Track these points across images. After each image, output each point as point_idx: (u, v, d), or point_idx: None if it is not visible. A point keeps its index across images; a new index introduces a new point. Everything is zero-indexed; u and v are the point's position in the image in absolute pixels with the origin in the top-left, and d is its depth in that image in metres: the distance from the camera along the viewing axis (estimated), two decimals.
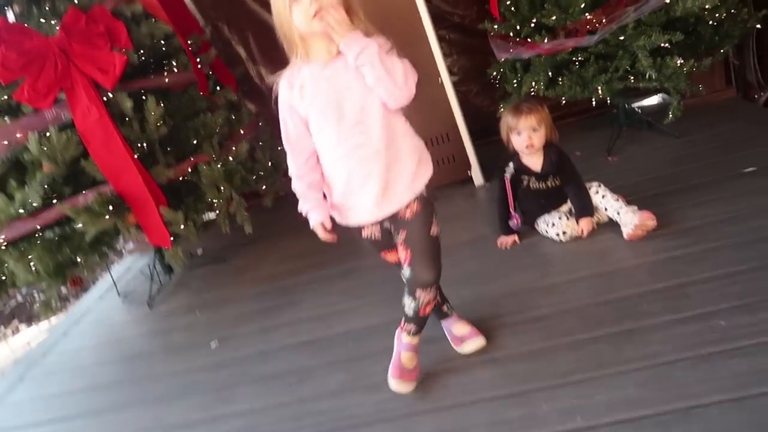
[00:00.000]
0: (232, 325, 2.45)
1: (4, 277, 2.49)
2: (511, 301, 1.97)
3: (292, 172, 1.57)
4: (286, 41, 1.49)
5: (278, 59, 3.76)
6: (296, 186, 1.57)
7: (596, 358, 1.58)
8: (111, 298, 3.18)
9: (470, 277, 2.20)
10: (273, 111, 3.84)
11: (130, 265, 3.54)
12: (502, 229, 2.36)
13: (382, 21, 2.74)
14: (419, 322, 1.65)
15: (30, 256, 2.37)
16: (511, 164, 2.27)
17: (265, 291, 2.67)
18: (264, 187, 2.87)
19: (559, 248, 2.21)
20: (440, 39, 2.89)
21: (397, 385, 1.65)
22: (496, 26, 2.83)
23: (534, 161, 2.24)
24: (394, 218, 1.56)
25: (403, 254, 1.56)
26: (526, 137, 2.19)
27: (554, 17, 2.55)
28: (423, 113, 2.88)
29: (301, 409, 1.79)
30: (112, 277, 3.27)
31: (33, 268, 2.36)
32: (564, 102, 2.72)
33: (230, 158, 2.63)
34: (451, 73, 2.95)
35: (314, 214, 1.55)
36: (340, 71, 1.44)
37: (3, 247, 2.38)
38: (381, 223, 1.59)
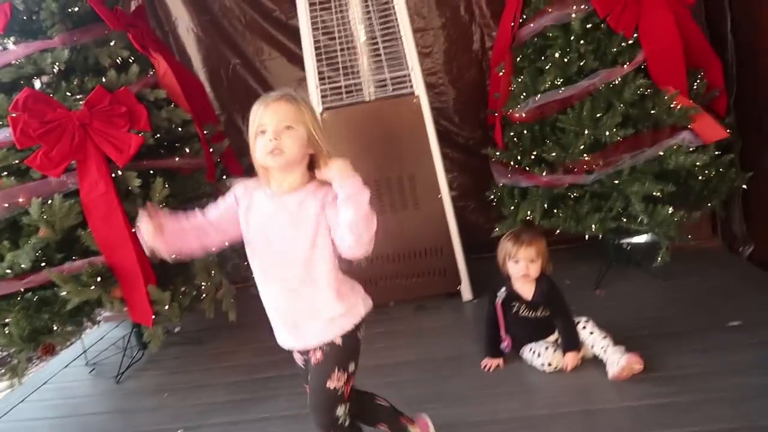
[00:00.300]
0: (200, 414, 2.36)
1: None
2: (491, 429, 1.94)
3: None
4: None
5: None
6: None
7: None
8: (78, 366, 3.07)
9: (451, 396, 2.17)
10: None
11: (103, 333, 3.44)
12: (488, 350, 2.35)
13: (390, 133, 2.93)
14: None
15: (7, 319, 2.32)
16: (503, 288, 2.31)
17: (239, 381, 2.60)
18: None
19: (543, 379, 2.19)
20: (443, 156, 3.03)
21: None
22: (498, 153, 2.98)
23: (526, 289, 2.28)
24: (306, 355, 1.59)
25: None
26: (524, 267, 2.24)
27: (554, 154, 2.69)
28: (420, 224, 2.98)
29: None
30: (83, 344, 3.17)
31: (6, 331, 2.31)
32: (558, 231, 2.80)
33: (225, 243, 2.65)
34: (450, 188, 3.06)
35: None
36: (288, 206, 1.50)
37: None
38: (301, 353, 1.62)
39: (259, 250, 1.55)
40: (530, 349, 2.28)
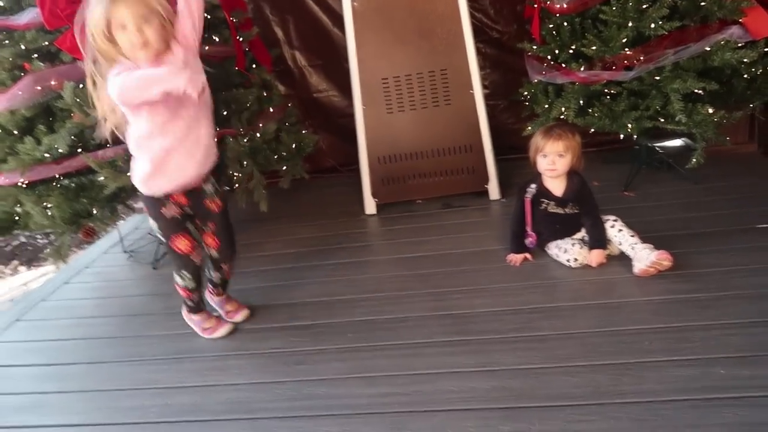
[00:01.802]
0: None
1: (17, 217, 2.52)
2: (513, 318, 2.01)
3: None
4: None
5: (315, 47, 3.82)
6: None
7: (592, 386, 1.62)
8: (115, 253, 3.21)
9: (473, 288, 2.24)
10: (302, 95, 3.90)
11: (137, 224, 3.56)
12: (513, 246, 2.39)
13: (423, 24, 2.83)
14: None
15: (47, 202, 2.40)
16: (533, 185, 2.31)
17: (269, 270, 2.69)
18: (284, 168, 2.90)
19: (567, 273, 2.24)
20: (476, 52, 2.93)
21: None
22: (534, 47, 2.87)
23: (556, 186, 2.28)
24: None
25: None
26: (551, 161, 2.23)
27: (594, 48, 2.58)
28: (450, 121, 2.94)
29: (295, 390, 1.82)
30: (119, 233, 3.30)
31: (49, 213, 2.39)
32: (591, 131, 2.75)
33: (257, 135, 2.66)
34: (482, 85, 2.98)
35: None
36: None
37: (23, 188, 2.41)
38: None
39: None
40: (556, 245, 2.31)
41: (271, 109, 2.84)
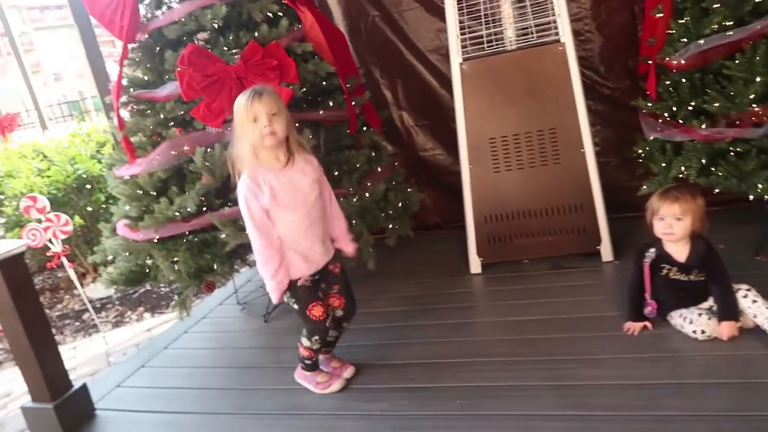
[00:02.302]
0: (341, 356, 2.50)
1: (149, 270, 2.74)
2: (634, 394, 1.87)
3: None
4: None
5: (421, 107, 3.91)
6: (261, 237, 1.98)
7: None
8: (230, 305, 3.38)
9: (589, 357, 2.12)
10: (408, 154, 3.98)
11: (251, 276, 3.74)
12: (631, 312, 2.25)
13: (532, 85, 2.83)
14: None
15: (175, 257, 2.59)
16: (652, 249, 2.18)
17: (374, 328, 2.71)
18: (390, 226, 2.95)
19: (693, 346, 2.07)
20: (587, 109, 2.87)
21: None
22: (649, 104, 2.77)
23: (679, 251, 2.14)
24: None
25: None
26: (667, 224, 2.10)
27: (717, 104, 2.45)
28: (560, 180, 2.88)
29: None
30: (234, 285, 3.48)
31: (176, 268, 2.58)
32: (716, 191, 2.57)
33: (366, 195, 2.75)
34: (593, 143, 2.90)
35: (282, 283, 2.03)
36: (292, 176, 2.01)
37: (155, 243, 2.63)
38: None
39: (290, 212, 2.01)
40: (680, 315, 2.15)
41: (380, 169, 2.93)
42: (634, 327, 2.22)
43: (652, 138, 2.80)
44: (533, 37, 2.85)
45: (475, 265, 3.06)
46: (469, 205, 3.02)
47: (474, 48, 2.93)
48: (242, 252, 2.77)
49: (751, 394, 1.78)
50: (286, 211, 1.98)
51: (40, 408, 2.29)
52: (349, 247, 2.25)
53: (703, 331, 2.07)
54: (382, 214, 2.85)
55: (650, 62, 2.78)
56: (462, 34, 2.93)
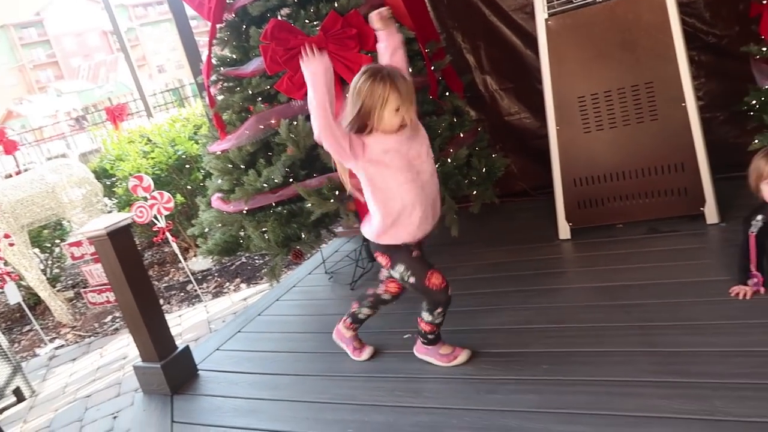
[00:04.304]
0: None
1: (242, 240, 2.87)
2: (742, 361, 1.73)
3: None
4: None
5: (505, 70, 3.78)
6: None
7: None
8: (318, 274, 3.48)
9: (691, 323, 1.98)
10: (493, 119, 3.87)
11: (337, 247, 3.83)
12: (741, 276, 2.07)
13: (625, 36, 2.64)
14: None
15: (264, 227, 2.69)
16: (760, 217, 1.98)
17: (460, 295, 2.65)
18: (474, 192, 2.89)
19: None
20: (689, 60, 2.64)
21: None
22: (764, 49, 2.50)
23: None
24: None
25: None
26: None
27: None
28: (658, 138, 2.68)
29: (487, 419, 1.77)
30: (322, 255, 3.58)
31: (266, 237, 2.68)
32: None
33: (448, 161, 2.70)
34: (696, 97, 2.67)
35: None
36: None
37: (245, 215, 2.74)
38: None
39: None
40: None
41: (462, 135, 2.86)
42: (743, 291, 2.04)
43: (766, 87, 2.53)
44: None
45: (564, 230, 2.94)
46: (557, 168, 2.89)
47: (561, 2, 2.77)
48: (327, 221, 2.83)
49: None
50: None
51: (149, 367, 2.48)
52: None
53: None
54: (465, 181, 2.80)
55: (765, 1, 2.51)
56: None
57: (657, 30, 2.58)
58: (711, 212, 2.68)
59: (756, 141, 2.52)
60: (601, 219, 2.90)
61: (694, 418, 1.55)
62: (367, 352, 2.33)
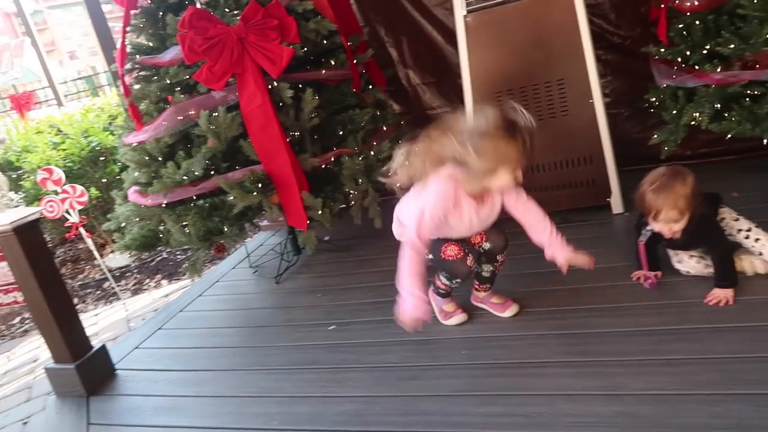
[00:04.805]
0: (349, 312, 2.55)
1: (161, 235, 2.78)
2: (642, 340, 1.87)
3: (413, 236, 1.84)
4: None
5: (427, 65, 3.84)
6: (412, 254, 1.84)
7: (736, 418, 1.46)
8: (242, 268, 3.43)
9: (599, 308, 2.12)
10: (416, 113, 3.94)
11: (262, 241, 3.79)
12: (639, 265, 2.23)
13: (538, 35, 2.76)
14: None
15: (185, 221, 2.63)
16: (649, 228, 2.10)
17: (383, 285, 2.72)
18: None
19: (703, 292, 2.04)
20: (596, 59, 2.80)
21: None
22: (662, 50, 2.69)
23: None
24: None
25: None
26: (665, 229, 2.01)
27: (732, 46, 2.37)
28: (569, 132, 2.83)
29: (408, 405, 1.82)
30: (246, 249, 3.53)
31: (186, 231, 2.62)
32: (728, 137, 2.51)
33: (371, 153, 2.74)
34: (603, 94, 2.84)
35: (419, 304, 1.81)
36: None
37: (164, 208, 2.66)
38: None
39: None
40: (675, 254, 2.17)
41: (385, 128, 2.91)
42: (642, 275, 2.20)
43: (664, 85, 2.73)
44: None
45: None
46: None
47: None
48: (251, 214, 2.80)
49: (757, 338, 1.76)
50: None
51: (62, 368, 2.37)
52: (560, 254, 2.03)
53: (688, 272, 2.09)
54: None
55: (662, 6, 2.70)
56: None
57: (567, 29, 2.72)
58: (616, 203, 2.87)
59: (655, 136, 2.72)
60: None
61: (598, 394, 1.67)
62: (458, 317, 2.24)
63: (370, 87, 2.96)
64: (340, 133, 2.74)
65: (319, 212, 2.55)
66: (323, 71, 2.72)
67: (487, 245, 2.13)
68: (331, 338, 2.35)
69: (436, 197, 1.88)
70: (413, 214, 1.88)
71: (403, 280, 1.84)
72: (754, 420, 1.44)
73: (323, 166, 2.68)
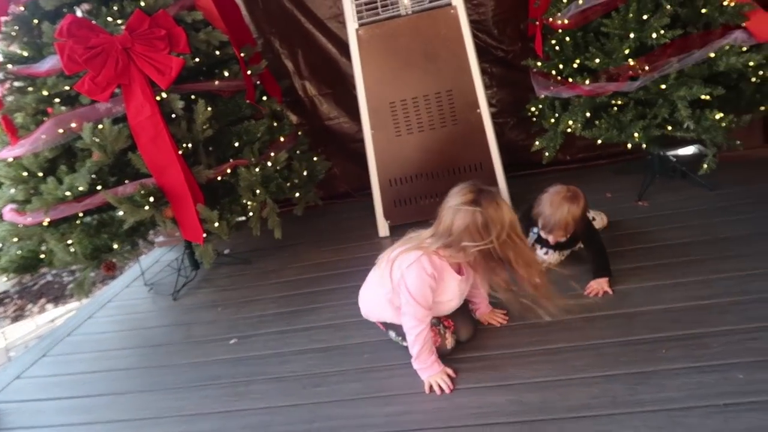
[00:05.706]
0: (251, 325, 2.51)
1: (42, 256, 2.60)
2: (525, 333, 2.01)
3: (420, 318, 1.81)
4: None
5: (323, 76, 3.88)
6: (421, 333, 1.82)
7: (610, 397, 1.61)
8: (137, 287, 3.27)
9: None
10: (314, 124, 3.94)
11: (158, 257, 3.63)
12: None
13: (428, 48, 2.89)
14: None
15: (70, 239, 2.47)
16: (535, 230, 2.32)
17: (286, 296, 2.73)
18: (297, 195, 2.95)
19: (581, 286, 2.22)
20: (482, 71, 2.97)
21: None
22: (539, 63, 2.90)
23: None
24: None
25: None
26: (551, 239, 2.27)
27: (597, 60, 2.61)
28: (459, 140, 2.97)
29: (313, 412, 1.83)
30: (140, 267, 3.37)
31: (71, 250, 2.47)
32: (599, 143, 2.75)
33: (268, 164, 2.72)
34: (490, 104, 3.02)
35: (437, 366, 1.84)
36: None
37: (46, 227, 2.49)
38: None
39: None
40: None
41: (282, 139, 2.90)
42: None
43: (542, 96, 2.94)
44: (426, 1, 2.90)
45: (383, 228, 3.13)
46: (373, 170, 3.06)
47: (370, 13, 2.94)
48: (143, 230, 2.69)
49: (630, 322, 1.94)
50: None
51: None
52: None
53: (550, 264, 2.32)
54: (288, 184, 2.84)
55: (537, 23, 2.91)
56: None
57: (453, 43, 2.87)
58: None
59: (537, 143, 2.92)
60: (415, 216, 3.11)
61: (492, 386, 1.77)
62: None
63: (265, 98, 2.95)
64: (236, 144, 2.70)
65: (216, 225, 2.50)
66: (216, 82, 2.68)
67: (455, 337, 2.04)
68: (233, 352, 2.31)
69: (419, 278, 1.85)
70: (405, 300, 1.83)
71: (423, 355, 1.83)
72: (626, 397, 1.60)
73: (219, 178, 2.63)
